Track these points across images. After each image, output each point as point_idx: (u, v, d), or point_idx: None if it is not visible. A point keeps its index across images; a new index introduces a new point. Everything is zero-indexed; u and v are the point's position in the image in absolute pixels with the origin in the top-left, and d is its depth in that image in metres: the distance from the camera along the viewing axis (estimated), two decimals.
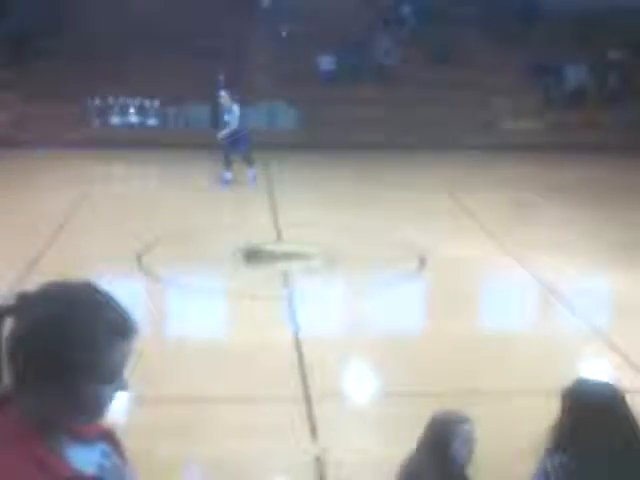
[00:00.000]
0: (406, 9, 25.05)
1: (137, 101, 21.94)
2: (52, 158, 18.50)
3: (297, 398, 7.28)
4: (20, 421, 1.87)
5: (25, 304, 1.90)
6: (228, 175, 16.30)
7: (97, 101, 21.78)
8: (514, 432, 6.14)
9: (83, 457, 1.93)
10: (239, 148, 16.39)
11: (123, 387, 1.96)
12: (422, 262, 11.42)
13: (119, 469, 2.03)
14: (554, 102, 22.84)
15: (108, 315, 1.92)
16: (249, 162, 16.45)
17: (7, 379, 1.90)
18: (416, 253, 11.76)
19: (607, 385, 3.62)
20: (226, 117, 16.60)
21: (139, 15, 22.64)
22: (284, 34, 23.87)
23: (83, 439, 1.95)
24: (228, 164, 16.34)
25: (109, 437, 2.07)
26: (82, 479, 1.90)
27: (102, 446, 2.01)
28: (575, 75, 23.61)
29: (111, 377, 1.92)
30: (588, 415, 3.41)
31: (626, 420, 3.44)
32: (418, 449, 4.14)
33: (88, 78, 20.76)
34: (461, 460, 4.02)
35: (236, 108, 16.48)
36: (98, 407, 1.94)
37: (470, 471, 4.09)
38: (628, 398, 3.51)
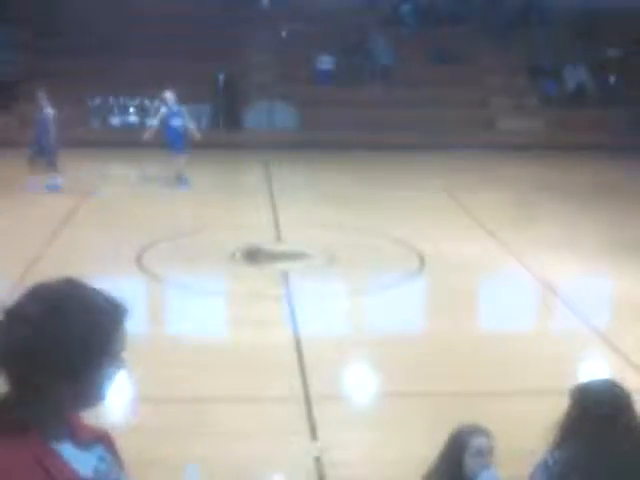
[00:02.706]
0: (406, 9, 25.06)
1: (137, 101, 21.95)
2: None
3: (297, 398, 7.28)
4: (20, 424, 1.87)
5: (9, 318, 1.91)
6: (59, 179, 15.88)
7: (97, 101, 21.80)
8: (515, 432, 6.14)
9: (80, 460, 1.94)
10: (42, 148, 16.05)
11: (120, 366, 1.99)
12: (422, 262, 11.42)
13: (115, 473, 2.04)
14: (554, 102, 22.85)
15: (99, 302, 1.95)
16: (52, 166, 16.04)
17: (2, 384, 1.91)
18: (416, 253, 11.76)
19: (613, 384, 3.62)
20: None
21: (139, 15, 22.65)
22: (284, 34, 23.88)
23: (80, 442, 1.96)
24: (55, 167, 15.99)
25: (106, 441, 2.08)
26: None
27: (99, 450, 2.02)
28: (575, 75, 23.62)
29: (110, 359, 1.95)
30: (591, 411, 3.42)
31: (629, 417, 3.44)
32: (437, 461, 4.13)
33: (88, 78, 20.78)
34: (472, 472, 3.99)
35: (49, 111, 16.25)
36: (99, 389, 1.96)
37: None
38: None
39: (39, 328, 1.87)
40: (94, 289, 1.98)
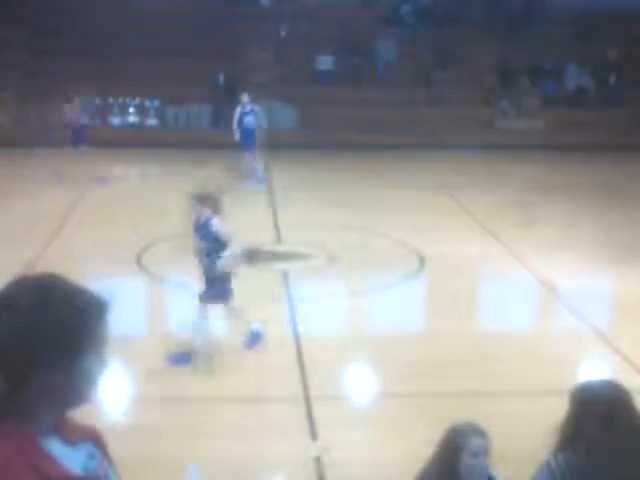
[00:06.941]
0: (406, 9, 25.07)
1: (137, 101, 21.95)
2: (51, 158, 18.50)
3: (297, 398, 7.28)
4: (10, 421, 1.87)
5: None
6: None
7: (97, 101, 21.80)
8: (515, 432, 6.13)
9: (69, 457, 1.93)
10: None
11: (105, 361, 1.98)
12: (422, 262, 11.41)
13: (104, 470, 2.04)
14: (554, 102, 22.85)
15: (82, 294, 1.95)
16: None
17: None
18: (416, 253, 11.75)
19: (612, 384, 3.62)
20: None
21: (139, 15, 22.66)
22: (284, 34, 23.88)
23: (69, 439, 1.96)
24: None
25: (95, 438, 2.07)
26: None
27: (88, 447, 2.02)
28: (575, 75, 23.63)
29: (96, 351, 1.94)
30: (593, 414, 3.41)
31: (631, 419, 3.43)
32: (431, 460, 4.11)
33: (88, 78, 20.78)
34: (469, 473, 3.97)
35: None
36: (87, 383, 1.95)
37: None
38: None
39: (29, 318, 1.86)
40: (74, 283, 1.98)
